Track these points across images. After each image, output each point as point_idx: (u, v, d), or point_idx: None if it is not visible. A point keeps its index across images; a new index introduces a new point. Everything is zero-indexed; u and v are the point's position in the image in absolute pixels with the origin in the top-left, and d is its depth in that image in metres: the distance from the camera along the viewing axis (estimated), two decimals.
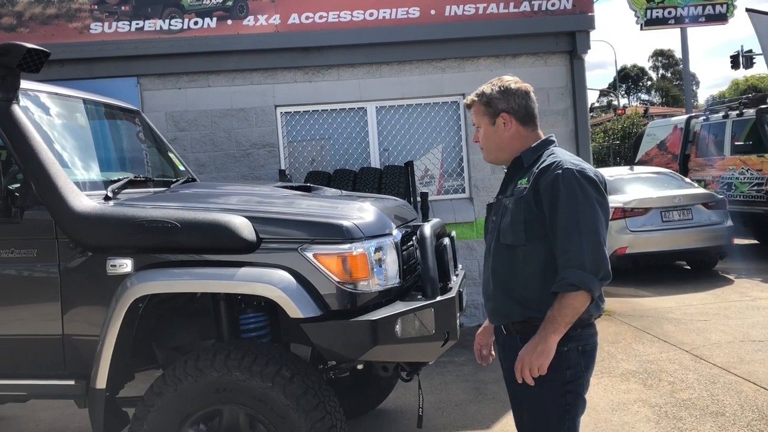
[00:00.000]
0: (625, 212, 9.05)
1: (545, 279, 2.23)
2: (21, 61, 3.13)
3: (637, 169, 10.95)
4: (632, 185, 9.82)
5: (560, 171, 2.19)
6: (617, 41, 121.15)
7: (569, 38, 7.25)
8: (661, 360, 5.54)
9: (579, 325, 2.23)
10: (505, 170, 2.48)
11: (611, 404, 4.60)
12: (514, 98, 2.37)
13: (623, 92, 60.56)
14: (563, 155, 2.29)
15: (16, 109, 3.21)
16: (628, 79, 62.00)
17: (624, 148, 26.35)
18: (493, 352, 2.67)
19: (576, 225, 2.14)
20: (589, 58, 7.52)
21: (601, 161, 26.07)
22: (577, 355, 2.25)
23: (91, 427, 3.16)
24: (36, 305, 3.20)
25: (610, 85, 57.75)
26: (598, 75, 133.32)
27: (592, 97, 55.72)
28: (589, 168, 2.24)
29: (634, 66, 63.83)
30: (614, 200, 9.30)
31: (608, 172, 10.77)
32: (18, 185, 3.25)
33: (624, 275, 9.23)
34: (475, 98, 2.43)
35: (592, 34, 7.35)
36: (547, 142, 2.40)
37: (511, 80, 2.42)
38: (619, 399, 4.70)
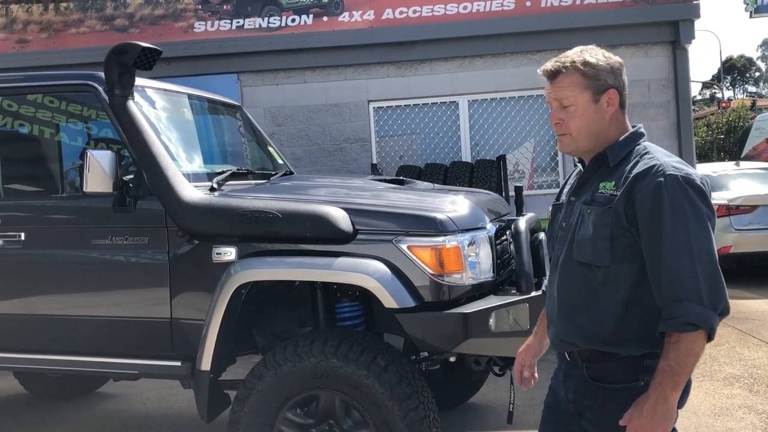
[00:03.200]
0: (729, 210, 8.60)
1: (628, 309, 1.80)
2: (136, 59, 3.32)
3: (744, 164, 10.40)
4: (738, 181, 9.33)
5: (663, 178, 1.73)
6: (722, 30, 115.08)
7: (672, 28, 6.97)
8: None
9: (657, 354, 1.77)
10: (577, 164, 2.03)
11: (713, 409, 4.41)
12: (620, 74, 1.89)
13: (728, 84, 57.46)
14: (661, 156, 1.82)
15: (131, 105, 3.41)
16: (734, 70, 58.77)
17: (729, 143, 25.07)
18: (536, 375, 2.24)
19: (687, 247, 1.70)
20: (692, 48, 7.20)
21: (703, 156, 24.91)
22: None
23: (193, 407, 3.33)
24: (147, 290, 3.39)
25: (713, 76, 54.91)
26: (701, 66, 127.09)
27: (694, 90, 53.22)
28: (695, 173, 1.78)
29: (741, 56, 60.44)
30: (718, 197, 8.87)
31: (712, 168, 10.29)
32: (131, 177, 3.46)
33: (727, 276, 8.71)
34: (572, 66, 1.87)
35: (696, 23, 7.03)
36: (637, 135, 1.92)
37: (608, 53, 1.93)
38: (722, 404, 4.50)
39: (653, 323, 1.75)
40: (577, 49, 1.93)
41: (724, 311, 1.72)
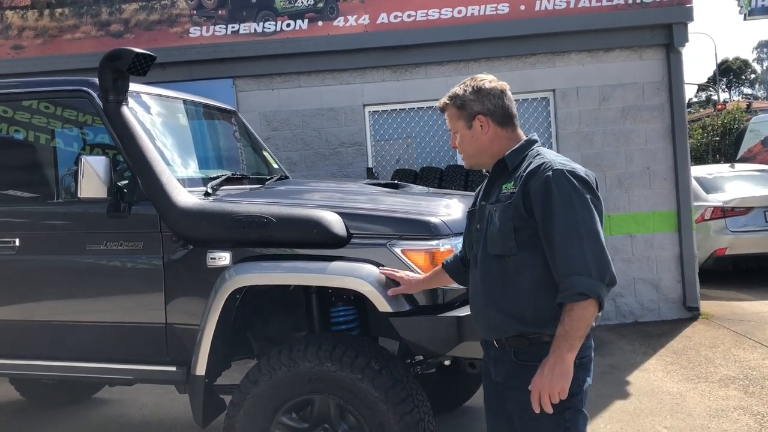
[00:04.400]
0: (725, 212, 8.63)
1: (540, 290, 2.08)
2: (130, 65, 3.33)
3: (738, 166, 10.43)
4: (733, 183, 9.36)
5: (550, 173, 2.04)
6: (717, 33, 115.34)
7: (666, 31, 6.98)
8: (764, 366, 5.26)
9: None
10: (487, 173, 2.33)
11: (708, 410, 4.42)
12: (489, 99, 2.22)
13: (724, 86, 57.60)
14: (550, 155, 2.14)
15: (125, 110, 3.42)
16: (730, 72, 58.90)
17: (724, 145, 25.13)
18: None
19: (575, 229, 1.99)
20: (687, 50, 7.22)
21: (699, 158, 24.95)
22: (573, 369, 2.02)
23: (190, 413, 3.33)
24: (142, 295, 3.39)
25: (709, 79, 55.03)
26: (696, 68, 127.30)
27: (689, 92, 53.36)
28: (579, 168, 2.09)
29: (737, 58, 60.61)
30: (713, 199, 8.90)
31: (707, 170, 10.31)
32: (126, 182, 3.46)
33: (723, 277, 8.82)
34: (448, 101, 2.27)
35: (690, 26, 7.05)
36: (531, 142, 2.25)
37: (485, 79, 2.27)
38: (718, 405, 4.51)
39: None
40: (466, 80, 2.28)
41: (611, 282, 2.00)
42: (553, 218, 2.01)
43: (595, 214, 2.04)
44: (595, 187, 2.09)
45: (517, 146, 2.23)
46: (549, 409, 2.00)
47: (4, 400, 5.54)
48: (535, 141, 2.26)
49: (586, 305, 1.97)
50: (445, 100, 2.28)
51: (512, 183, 2.13)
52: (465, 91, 2.23)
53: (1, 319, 3.62)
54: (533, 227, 2.06)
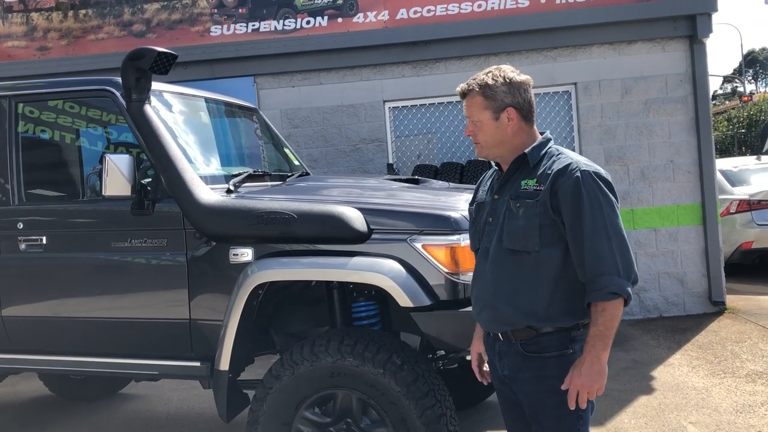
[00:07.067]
0: (751, 205, 8.51)
1: (555, 286, 2.11)
2: (152, 64, 3.36)
3: (765, 159, 10.26)
4: (759, 176, 9.22)
5: (579, 174, 2.07)
6: (743, 23, 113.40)
7: (689, 22, 6.89)
8: None
9: (582, 324, 2.13)
10: (495, 166, 2.31)
11: (735, 406, 4.37)
12: (519, 92, 2.19)
13: (750, 78, 56.67)
14: (572, 155, 2.16)
15: (148, 109, 3.46)
16: (756, 63, 57.92)
17: (750, 137, 24.74)
18: (486, 367, 2.44)
19: (604, 229, 2.04)
20: (712, 41, 7.12)
21: (724, 151, 24.59)
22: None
23: (214, 408, 3.37)
24: (166, 291, 3.43)
25: (735, 70, 54.16)
26: (722, 60, 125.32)
27: (714, 84, 52.63)
28: (601, 170, 2.13)
29: (763, 49, 59.54)
30: (739, 192, 8.78)
31: (733, 163, 10.16)
32: (149, 180, 3.50)
33: (750, 271, 8.69)
34: (476, 88, 2.19)
35: (715, 17, 6.95)
36: (547, 140, 2.24)
37: (513, 71, 2.22)
38: (744, 401, 4.45)
39: (577, 297, 2.10)
40: (490, 68, 2.24)
41: (635, 280, 2.06)
42: (582, 218, 2.05)
43: (619, 214, 2.11)
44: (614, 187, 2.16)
45: (537, 143, 2.22)
46: (584, 406, 2.07)
47: (33, 395, 5.64)
48: (550, 139, 2.27)
49: (617, 304, 2.03)
50: (470, 86, 2.21)
51: (534, 180, 2.14)
52: (496, 81, 2.18)
53: (28, 315, 3.69)
54: (557, 225, 2.09)
